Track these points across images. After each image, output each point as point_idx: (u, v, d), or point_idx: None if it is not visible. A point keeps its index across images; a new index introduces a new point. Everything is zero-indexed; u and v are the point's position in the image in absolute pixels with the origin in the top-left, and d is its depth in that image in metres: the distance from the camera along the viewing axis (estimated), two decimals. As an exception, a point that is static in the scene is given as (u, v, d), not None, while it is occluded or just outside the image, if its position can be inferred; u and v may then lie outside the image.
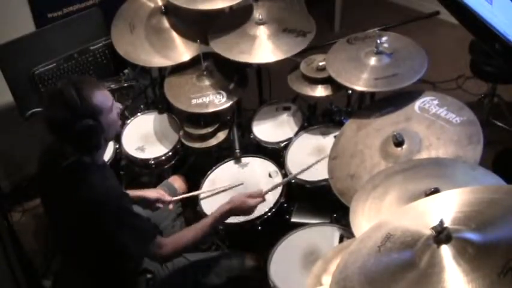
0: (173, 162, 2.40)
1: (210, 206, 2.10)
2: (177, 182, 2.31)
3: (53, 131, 1.66)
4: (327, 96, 2.22)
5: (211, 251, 2.19)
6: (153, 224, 1.96)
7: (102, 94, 1.66)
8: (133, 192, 2.05)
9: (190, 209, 2.24)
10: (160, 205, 2.09)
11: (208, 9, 2.29)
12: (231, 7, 2.50)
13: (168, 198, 2.11)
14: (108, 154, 2.34)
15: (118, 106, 1.77)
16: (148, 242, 1.71)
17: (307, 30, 2.32)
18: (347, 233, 1.82)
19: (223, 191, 2.17)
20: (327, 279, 1.44)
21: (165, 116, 2.54)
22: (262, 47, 2.29)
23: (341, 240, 1.84)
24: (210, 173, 2.26)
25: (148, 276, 1.92)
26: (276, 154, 2.27)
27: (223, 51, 2.29)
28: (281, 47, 2.27)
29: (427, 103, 1.95)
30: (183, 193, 2.28)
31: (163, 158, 2.37)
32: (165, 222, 2.17)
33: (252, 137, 2.37)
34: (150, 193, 2.08)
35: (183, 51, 2.42)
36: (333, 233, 1.88)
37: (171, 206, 2.14)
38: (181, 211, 2.26)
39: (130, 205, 1.76)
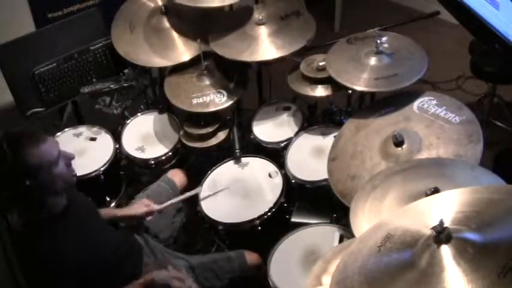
0: (173, 162, 2.41)
1: (210, 206, 2.11)
2: (176, 176, 2.30)
3: None
4: (327, 96, 2.22)
5: (212, 252, 2.19)
6: None
7: (42, 148, 1.53)
8: (120, 212, 2.04)
9: (190, 205, 2.23)
10: (150, 217, 2.04)
11: (208, 6, 2.28)
12: (231, 7, 2.50)
13: (155, 207, 2.04)
14: (108, 154, 2.35)
15: (68, 156, 1.64)
16: None
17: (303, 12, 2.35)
18: (347, 233, 1.82)
19: (214, 193, 2.15)
20: (327, 279, 1.44)
21: (165, 116, 2.54)
22: (264, 46, 2.27)
23: (341, 240, 1.83)
24: (210, 173, 2.26)
25: None
26: (276, 154, 2.27)
27: (224, 53, 2.28)
28: (284, 41, 2.26)
29: (426, 103, 1.95)
30: (183, 188, 2.28)
31: (163, 158, 2.37)
32: (164, 219, 2.15)
33: (252, 137, 2.37)
34: (137, 209, 2.02)
35: (183, 51, 2.42)
36: (333, 233, 1.88)
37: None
38: (180, 207, 2.25)
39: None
